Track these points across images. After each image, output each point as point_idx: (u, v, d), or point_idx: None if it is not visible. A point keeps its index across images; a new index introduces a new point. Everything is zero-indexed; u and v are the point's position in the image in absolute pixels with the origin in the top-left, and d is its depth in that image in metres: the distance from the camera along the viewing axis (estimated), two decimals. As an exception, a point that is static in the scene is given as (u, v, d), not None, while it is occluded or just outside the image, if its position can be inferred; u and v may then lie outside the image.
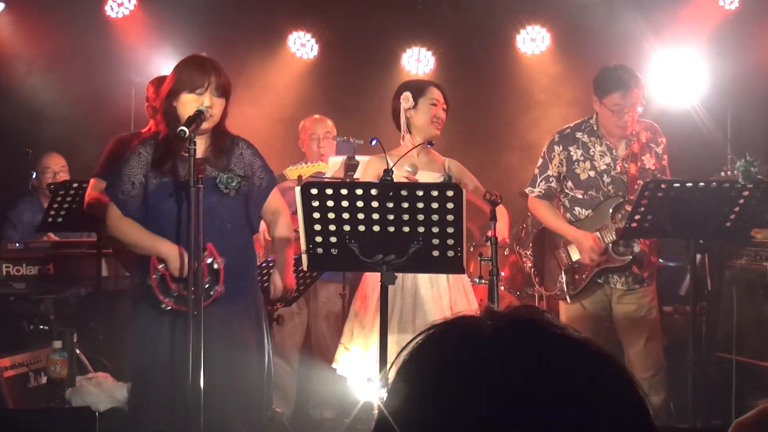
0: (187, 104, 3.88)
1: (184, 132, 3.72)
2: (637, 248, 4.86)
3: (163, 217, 3.92)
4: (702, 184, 4.40)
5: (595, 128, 4.96)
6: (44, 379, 4.90)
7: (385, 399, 0.97)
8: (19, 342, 5.36)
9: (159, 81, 5.19)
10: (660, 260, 5.94)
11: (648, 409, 0.97)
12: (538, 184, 5.02)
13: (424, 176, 4.64)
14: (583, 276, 4.91)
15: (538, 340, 0.96)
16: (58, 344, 4.80)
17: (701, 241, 4.60)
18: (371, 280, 4.69)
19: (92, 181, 5.00)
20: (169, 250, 3.84)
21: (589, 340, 0.99)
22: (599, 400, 0.94)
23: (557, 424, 0.91)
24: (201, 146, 3.97)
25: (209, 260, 3.88)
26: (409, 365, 0.97)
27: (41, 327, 5.60)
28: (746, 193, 4.36)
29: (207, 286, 3.87)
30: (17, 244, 5.79)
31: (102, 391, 4.69)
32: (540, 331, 0.97)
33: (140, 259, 3.95)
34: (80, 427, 4.44)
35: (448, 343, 0.97)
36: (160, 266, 3.85)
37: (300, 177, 5.15)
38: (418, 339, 0.99)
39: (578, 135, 4.98)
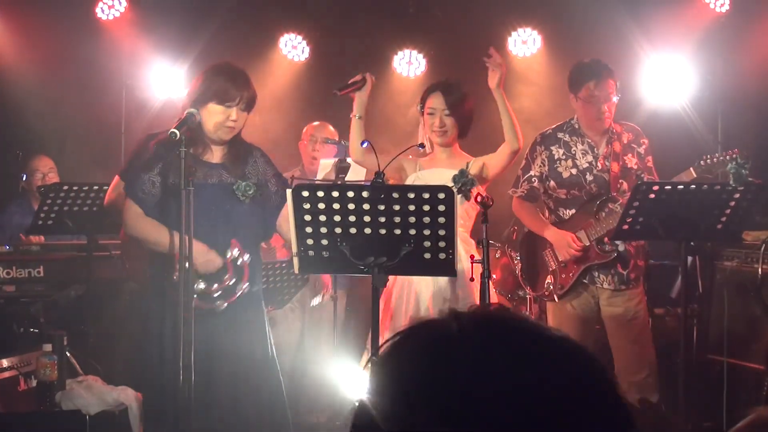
0: (213, 115, 3.91)
1: (175, 134, 3.73)
2: (621, 247, 4.88)
3: (176, 217, 3.93)
4: (693, 186, 4.42)
5: (576, 127, 5.02)
6: (34, 383, 4.88)
7: (360, 401, 0.97)
8: (8, 345, 5.32)
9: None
10: (651, 261, 5.96)
11: (625, 403, 0.96)
12: (521, 185, 5.06)
13: (443, 174, 4.63)
14: (570, 275, 4.94)
15: (507, 336, 0.96)
16: (48, 347, 4.77)
17: (692, 243, 4.61)
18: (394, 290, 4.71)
19: (116, 179, 4.96)
20: (195, 246, 3.80)
21: (559, 333, 0.98)
22: (573, 393, 0.93)
23: (533, 419, 0.90)
24: (218, 153, 4.03)
25: (236, 255, 3.90)
26: (380, 370, 0.97)
27: (31, 330, 5.57)
28: (737, 195, 4.37)
29: (233, 282, 3.88)
30: (6, 247, 5.76)
31: (92, 394, 4.66)
32: (508, 328, 0.97)
33: (156, 258, 3.94)
34: (71, 430, 4.42)
35: (417, 346, 0.97)
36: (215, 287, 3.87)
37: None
38: (387, 346, 0.98)
39: (560, 135, 5.04)
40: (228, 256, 3.91)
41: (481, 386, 0.91)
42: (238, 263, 3.93)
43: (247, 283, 3.94)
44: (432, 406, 0.91)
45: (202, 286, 3.88)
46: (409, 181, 4.69)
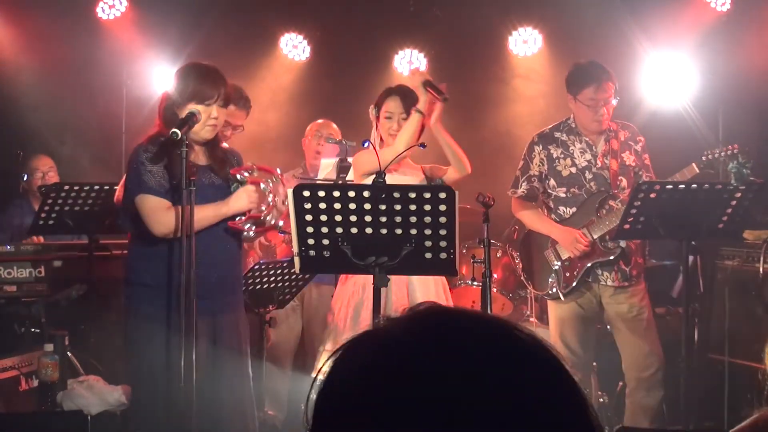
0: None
1: (177, 134, 3.72)
2: (623, 243, 4.90)
3: None
4: (694, 185, 4.42)
5: (573, 126, 5.03)
6: (36, 383, 4.89)
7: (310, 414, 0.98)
8: (10, 345, 5.33)
9: None
10: (653, 261, 5.96)
11: (570, 376, 0.95)
12: (521, 185, 5.07)
13: (410, 181, 4.62)
14: (575, 273, 4.94)
15: (437, 330, 0.96)
16: (49, 347, 4.78)
17: (693, 243, 4.62)
18: (348, 289, 4.68)
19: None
20: (236, 197, 3.92)
21: (486, 315, 0.99)
22: (508, 371, 0.92)
23: (468, 405, 0.90)
24: (202, 155, 4.01)
25: (241, 179, 3.98)
26: (324, 385, 0.98)
27: (32, 330, 5.58)
28: (738, 194, 4.38)
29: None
30: (8, 247, 5.76)
31: (93, 394, 4.67)
32: (438, 322, 0.97)
33: (149, 259, 3.92)
34: (72, 430, 4.42)
35: (355, 357, 0.98)
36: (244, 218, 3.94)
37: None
38: (329, 361, 1.00)
39: (557, 134, 5.05)
40: (239, 182, 3.96)
41: (409, 388, 0.91)
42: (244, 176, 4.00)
43: (263, 209, 3.99)
44: (367, 411, 0.92)
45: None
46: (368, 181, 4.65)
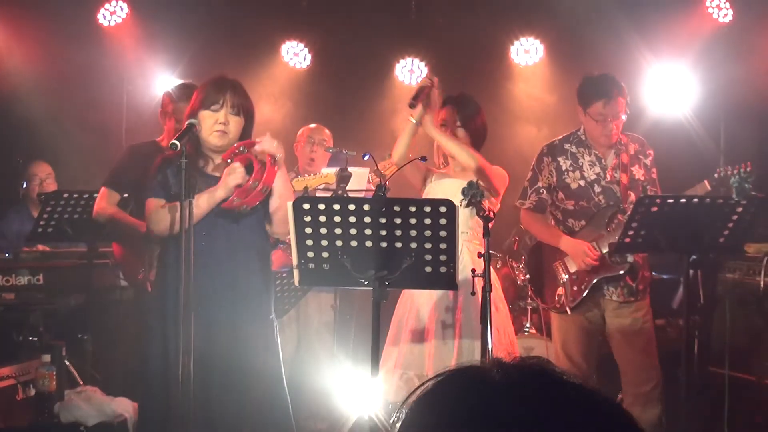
0: (204, 120, 3.91)
1: (176, 145, 3.70)
2: (631, 258, 4.87)
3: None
4: (696, 199, 4.40)
5: (583, 139, 4.98)
6: (33, 392, 4.87)
7: None
8: (8, 353, 5.31)
9: (181, 88, 5.13)
10: (653, 273, 5.94)
11: None
12: (529, 197, 5.01)
13: (451, 185, 4.65)
14: (582, 287, 4.90)
15: (549, 388, 0.97)
16: (46, 358, 4.77)
17: (694, 257, 4.59)
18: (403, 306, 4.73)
19: (103, 190, 5.07)
20: (225, 179, 3.85)
21: (597, 390, 1.00)
22: None
23: None
24: (221, 165, 3.96)
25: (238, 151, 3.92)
26: (419, 410, 0.97)
27: (30, 338, 5.56)
28: (740, 209, 4.36)
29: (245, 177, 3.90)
30: (7, 254, 5.74)
31: (91, 405, 4.65)
32: (550, 380, 0.98)
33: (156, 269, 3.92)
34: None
35: (459, 391, 0.98)
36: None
37: (306, 188, 5.10)
38: (427, 385, 0.99)
39: (566, 146, 5.00)
40: (230, 158, 3.90)
41: None
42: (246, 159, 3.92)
43: (265, 185, 3.89)
44: None
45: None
46: (424, 191, 4.77)
